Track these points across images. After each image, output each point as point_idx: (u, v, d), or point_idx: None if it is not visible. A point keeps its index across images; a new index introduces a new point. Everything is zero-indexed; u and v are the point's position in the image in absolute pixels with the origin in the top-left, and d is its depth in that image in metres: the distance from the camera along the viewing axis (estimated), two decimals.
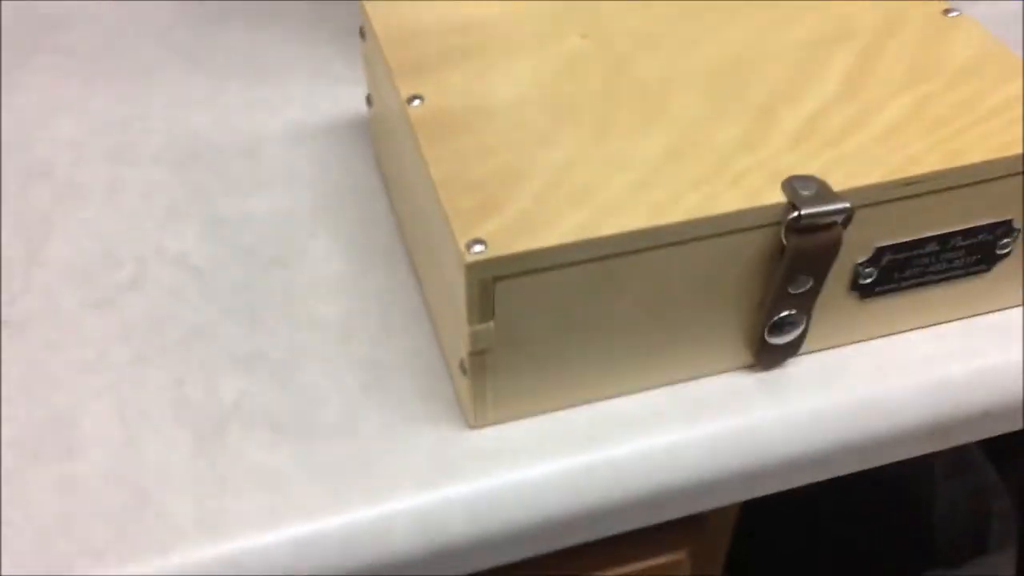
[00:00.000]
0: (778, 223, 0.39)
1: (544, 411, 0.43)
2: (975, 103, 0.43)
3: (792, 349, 0.44)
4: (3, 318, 0.47)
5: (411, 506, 0.40)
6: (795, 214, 0.38)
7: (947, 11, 0.48)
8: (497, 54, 0.46)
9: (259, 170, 0.55)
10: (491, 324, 0.39)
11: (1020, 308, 0.47)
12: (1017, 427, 0.47)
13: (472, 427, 0.42)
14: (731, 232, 0.39)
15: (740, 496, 0.44)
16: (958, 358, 0.45)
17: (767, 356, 0.44)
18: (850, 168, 0.40)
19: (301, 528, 0.39)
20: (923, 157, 0.40)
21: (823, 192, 0.39)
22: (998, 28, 0.61)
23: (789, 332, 0.43)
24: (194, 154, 0.56)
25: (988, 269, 0.45)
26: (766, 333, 0.43)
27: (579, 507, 0.41)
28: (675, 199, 0.39)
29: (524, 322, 0.39)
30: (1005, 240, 0.44)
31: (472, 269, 0.36)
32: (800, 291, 0.41)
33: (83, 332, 0.46)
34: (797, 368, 0.45)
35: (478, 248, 0.37)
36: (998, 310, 0.47)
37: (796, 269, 0.40)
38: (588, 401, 0.43)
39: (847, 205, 0.39)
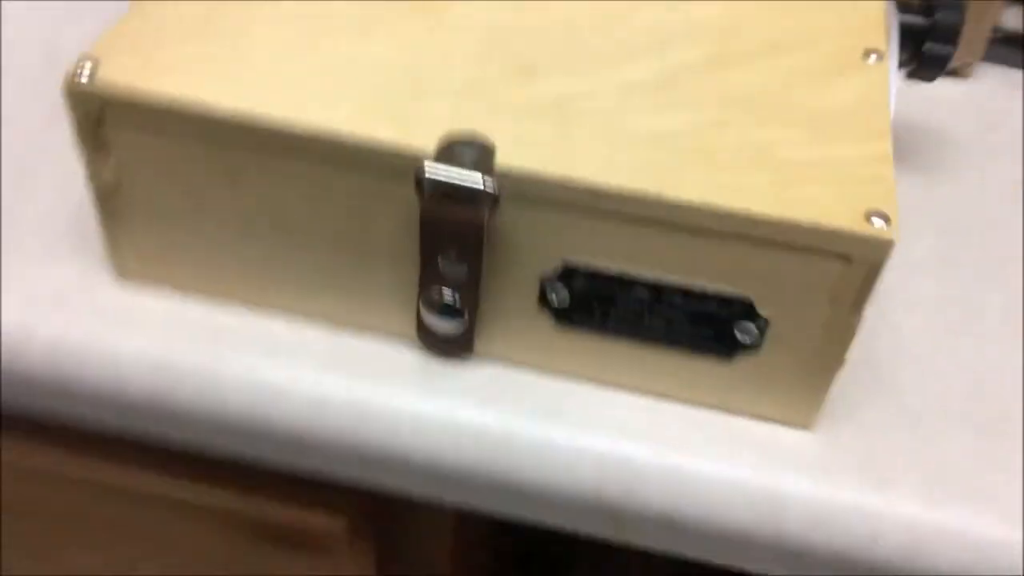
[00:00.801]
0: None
1: (192, 292, 0.40)
2: (785, 147, 0.34)
3: (462, 344, 0.38)
4: None
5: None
6: (423, 167, 0.32)
7: (867, 53, 0.38)
8: None
9: None
10: (109, 161, 0.36)
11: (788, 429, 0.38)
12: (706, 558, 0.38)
13: (118, 277, 0.40)
14: (366, 167, 0.34)
15: (357, 474, 0.39)
16: (660, 442, 0.37)
17: (428, 339, 0.38)
18: (542, 155, 0.33)
19: None
20: (634, 173, 0.33)
21: (479, 161, 0.33)
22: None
23: (450, 318, 0.37)
24: None
25: (728, 357, 0.36)
26: (421, 309, 0.37)
27: (163, 400, 0.38)
28: (327, 108, 0.34)
29: (151, 178, 0.36)
30: (746, 323, 0.35)
31: (73, 95, 0.34)
32: (454, 273, 0.35)
33: None
34: (471, 369, 0.38)
35: (85, 72, 0.34)
36: (756, 418, 0.38)
37: (434, 240, 0.34)
38: (245, 302, 0.40)
39: (478, 182, 0.32)
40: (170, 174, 0.36)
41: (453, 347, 0.38)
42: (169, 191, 0.36)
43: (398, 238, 0.35)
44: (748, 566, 0.38)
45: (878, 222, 0.32)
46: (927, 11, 0.42)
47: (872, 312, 0.42)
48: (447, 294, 0.36)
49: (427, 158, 0.33)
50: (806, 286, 0.33)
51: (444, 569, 0.48)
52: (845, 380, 0.40)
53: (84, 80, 0.34)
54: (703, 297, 0.35)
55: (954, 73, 0.53)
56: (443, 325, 0.37)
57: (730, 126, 0.35)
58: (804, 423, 0.38)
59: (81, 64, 0.34)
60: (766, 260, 0.33)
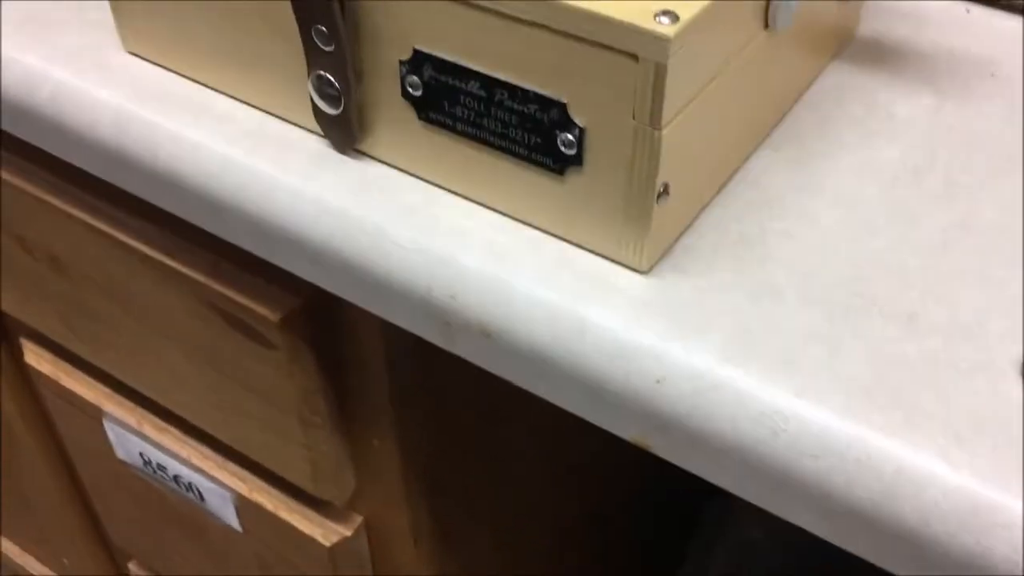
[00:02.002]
0: None
1: (174, 70, 0.45)
2: None
3: (346, 132, 0.40)
4: None
5: (28, 61, 0.47)
6: None
7: None
8: None
9: None
10: None
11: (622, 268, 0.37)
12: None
13: (126, 50, 0.47)
14: None
15: (245, 241, 0.43)
16: (490, 255, 0.37)
17: (324, 124, 0.41)
18: None
19: None
20: None
21: None
22: None
23: (332, 104, 0.39)
24: None
25: (559, 172, 0.36)
26: (311, 91, 0.40)
27: (118, 144, 0.44)
28: None
29: None
30: (565, 135, 0.35)
31: None
32: (327, 50, 0.38)
33: None
34: (357, 163, 0.41)
35: None
36: (594, 253, 0.37)
37: (300, 7, 0.37)
38: (207, 84, 0.45)
39: None
40: None
41: (341, 135, 0.41)
42: None
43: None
44: (546, 390, 0.37)
45: (664, 20, 0.31)
46: None
47: (793, 198, 0.40)
48: (327, 79, 0.39)
49: None
50: (608, 90, 0.33)
51: (384, 391, 0.50)
52: (718, 246, 0.38)
53: None
54: (526, 97, 0.35)
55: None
56: (326, 108, 0.40)
57: None
58: (637, 264, 0.36)
59: None
60: (571, 56, 0.33)
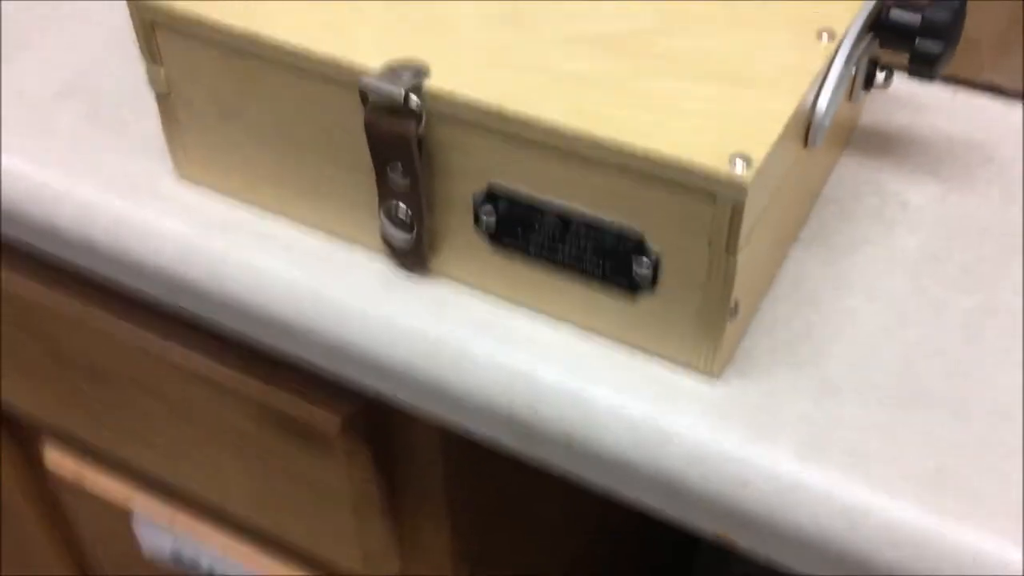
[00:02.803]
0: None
1: (231, 195, 0.47)
2: (690, 99, 0.37)
3: (416, 257, 0.43)
4: None
5: (82, 193, 0.48)
6: (360, 81, 0.38)
7: (821, 33, 0.40)
8: None
9: None
10: (161, 70, 0.44)
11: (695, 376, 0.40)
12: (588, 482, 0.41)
13: (179, 176, 0.48)
14: (334, 82, 0.40)
15: (320, 360, 0.45)
16: (568, 368, 0.40)
17: (394, 250, 0.43)
18: (468, 82, 0.38)
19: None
20: (541, 103, 0.37)
21: (413, 82, 0.38)
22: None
23: (404, 231, 0.42)
24: None
25: (633, 292, 0.39)
26: (383, 221, 0.42)
27: (185, 273, 0.46)
28: (312, 31, 0.40)
29: (192, 86, 0.44)
30: (642, 260, 0.38)
31: (130, 4, 0.43)
32: (402, 185, 0.40)
33: None
34: (424, 283, 0.43)
35: None
36: (665, 359, 0.40)
37: (378, 149, 0.40)
38: (267, 209, 0.47)
39: (399, 93, 0.37)
40: (202, 83, 0.44)
41: (410, 259, 0.43)
42: (203, 97, 0.44)
43: (358, 148, 0.41)
44: (628, 493, 0.40)
45: (740, 164, 0.34)
46: (921, 8, 0.42)
47: (832, 294, 0.43)
48: (399, 207, 0.41)
49: (371, 75, 0.38)
50: (684, 223, 0.36)
51: (438, 480, 0.53)
52: (773, 347, 0.41)
53: None
54: (602, 228, 0.38)
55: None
56: (397, 236, 0.42)
57: (647, 76, 0.38)
58: (708, 371, 0.40)
59: None
60: (649, 195, 0.36)
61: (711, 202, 0.35)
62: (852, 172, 0.50)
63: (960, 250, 0.45)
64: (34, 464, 0.73)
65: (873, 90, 0.49)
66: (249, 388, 0.52)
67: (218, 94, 0.44)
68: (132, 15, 0.43)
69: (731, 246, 0.36)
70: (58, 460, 0.70)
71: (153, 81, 0.45)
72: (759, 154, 0.34)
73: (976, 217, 0.47)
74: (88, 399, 0.62)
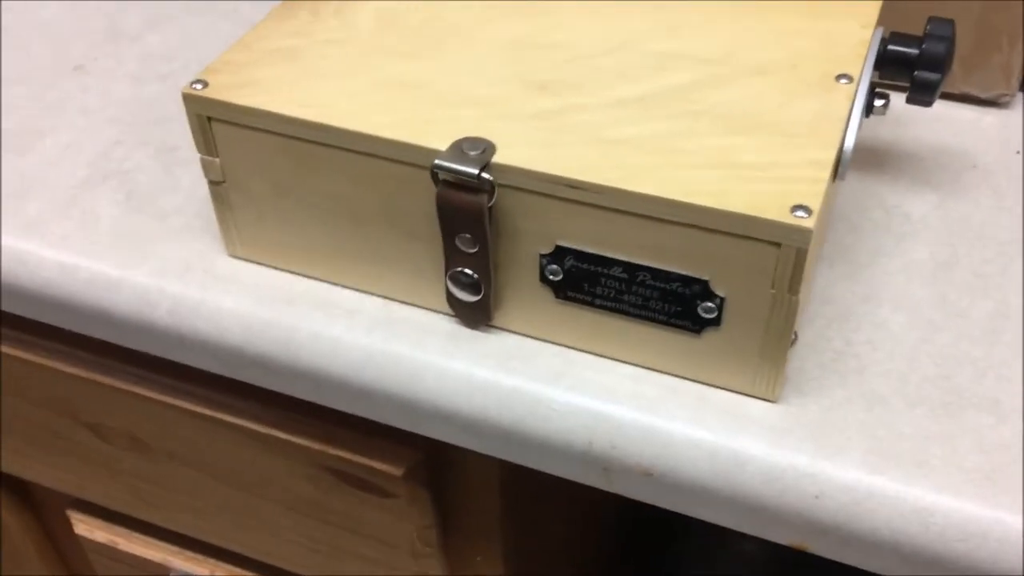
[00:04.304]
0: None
1: (285, 269, 0.49)
2: (741, 152, 0.41)
3: (482, 314, 0.46)
4: None
5: (139, 279, 0.50)
6: (434, 163, 0.41)
7: (839, 76, 0.44)
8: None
9: None
10: (217, 160, 0.46)
11: (756, 400, 0.43)
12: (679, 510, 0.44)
13: (230, 255, 0.50)
14: (400, 162, 0.42)
15: (396, 419, 0.47)
16: (641, 406, 0.43)
17: (458, 308, 0.46)
18: (533, 154, 0.41)
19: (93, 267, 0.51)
20: (605, 170, 0.40)
21: (480, 158, 0.41)
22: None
23: (471, 292, 0.45)
24: None
25: (697, 331, 0.42)
26: (448, 283, 0.45)
27: (255, 348, 0.48)
28: (374, 116, 0.43)
29: (248, 172, 0.46)
30: (707, 304, 0.41)
31: (187, 100, 0.45)
32: (470, 251, 0.43)
33: None
34: (491, 337, 0.46)
35: (198, 86, 0.45)
36: (728, 389, 0.44)
37: (448, 222, 0.42)
38: (324, 279, 0.49)
39: (475, 171, 0.40)
40: (259, 168, 0.46)
41: (476, 316, 0.46)
42: (258, 180, 0.46)
43: (430, 223, 0.44)
44: (710, 516, 0.44)
45: (801, 214, 0.38)
46: (918, 42, 0.47)
47: (862, 308, 0.47)
48: (466, 270, 0.44)
49: (439, 155, 0.41)
50: (750, 269, 0.40)
51: (495, 517, 0.56)
52: (821, 364, 0.45)
53: (196, 90, 0.44)
54: (668, 277, 0.41)
55: (993, 103, 0.57)
56: (465, 296, 0.45)
57: (698, 135, 0.42)
58: (769, 395, 0.43)
59: (195, 81, 0.45)
60: (715, 246, 0.40)
61: (775, 249, 0.38)
62: (852, 188, 0.54)
63: (966, 255, 0.50)
64: (47, 528, 0.74)
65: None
66: (305, 446, 0.54)
67: (275, 177, 0.46)
68: (188, 113, 0.45)
69: (794, 287, 0.39)
70: (88, 527, 0.71)
71: (208, 171, 0.47)
72: (816, 204, 0.38)
73: (972, 222, 0.52)
74: (124, 470, 0.63)
